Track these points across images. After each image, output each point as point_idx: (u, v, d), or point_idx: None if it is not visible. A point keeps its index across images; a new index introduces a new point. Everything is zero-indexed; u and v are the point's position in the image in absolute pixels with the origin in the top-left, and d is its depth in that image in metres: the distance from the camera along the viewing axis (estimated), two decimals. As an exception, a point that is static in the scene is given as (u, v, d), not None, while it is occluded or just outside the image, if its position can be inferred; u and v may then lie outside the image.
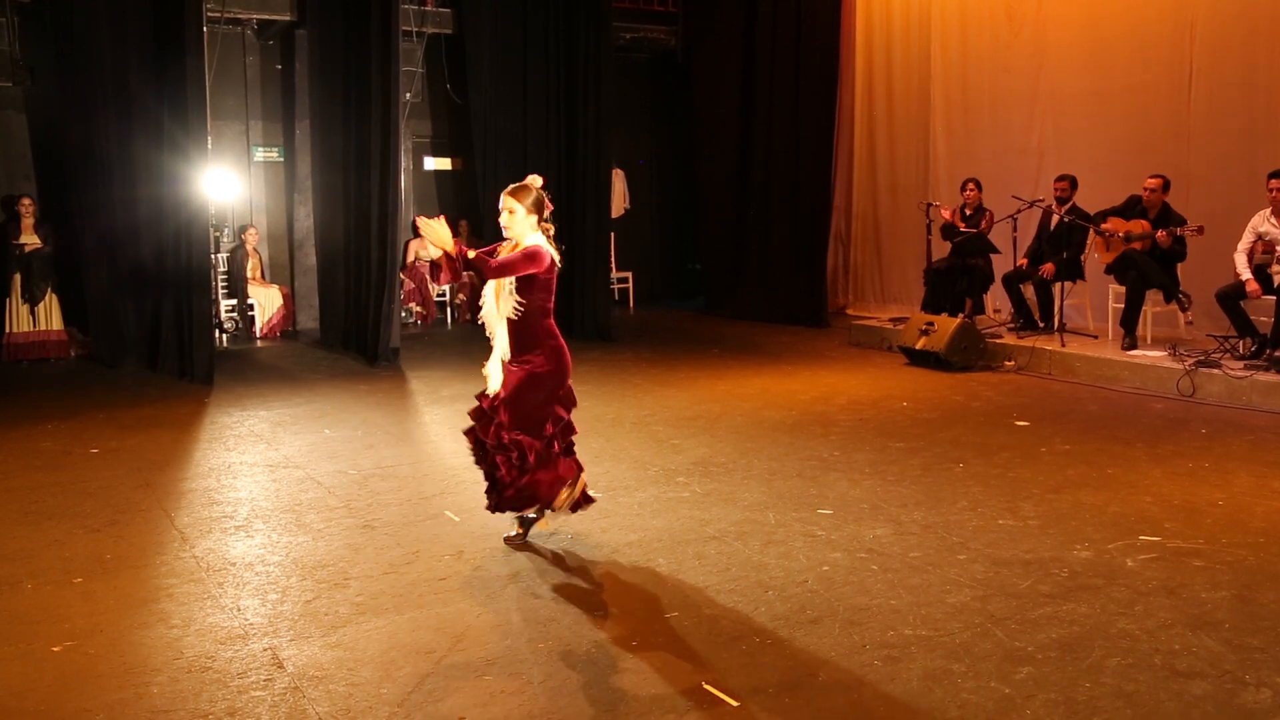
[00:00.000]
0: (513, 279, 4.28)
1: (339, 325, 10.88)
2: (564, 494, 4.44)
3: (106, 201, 9.68)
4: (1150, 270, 8.39)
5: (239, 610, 3.87)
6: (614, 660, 3.41)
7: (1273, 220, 7.75)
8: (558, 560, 4.37)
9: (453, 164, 13.37)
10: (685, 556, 4.38)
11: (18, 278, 9.84)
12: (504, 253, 4.37)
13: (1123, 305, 8.63)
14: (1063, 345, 8.72)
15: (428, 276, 12.39)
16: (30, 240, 9.82)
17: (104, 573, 4.29)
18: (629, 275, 14.19)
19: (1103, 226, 8.75)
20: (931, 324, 9.10)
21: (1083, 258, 9.10)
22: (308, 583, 4.15)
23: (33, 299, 9.87)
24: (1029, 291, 9.49)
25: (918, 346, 9.05)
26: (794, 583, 4.06)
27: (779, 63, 12.39)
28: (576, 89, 11.59)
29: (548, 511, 4.52)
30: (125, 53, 9.65)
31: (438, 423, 7.21)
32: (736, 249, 13.00)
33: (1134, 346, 8.47)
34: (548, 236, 4.39)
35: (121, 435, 6.86)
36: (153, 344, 9.66)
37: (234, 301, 11.56)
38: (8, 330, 9.87)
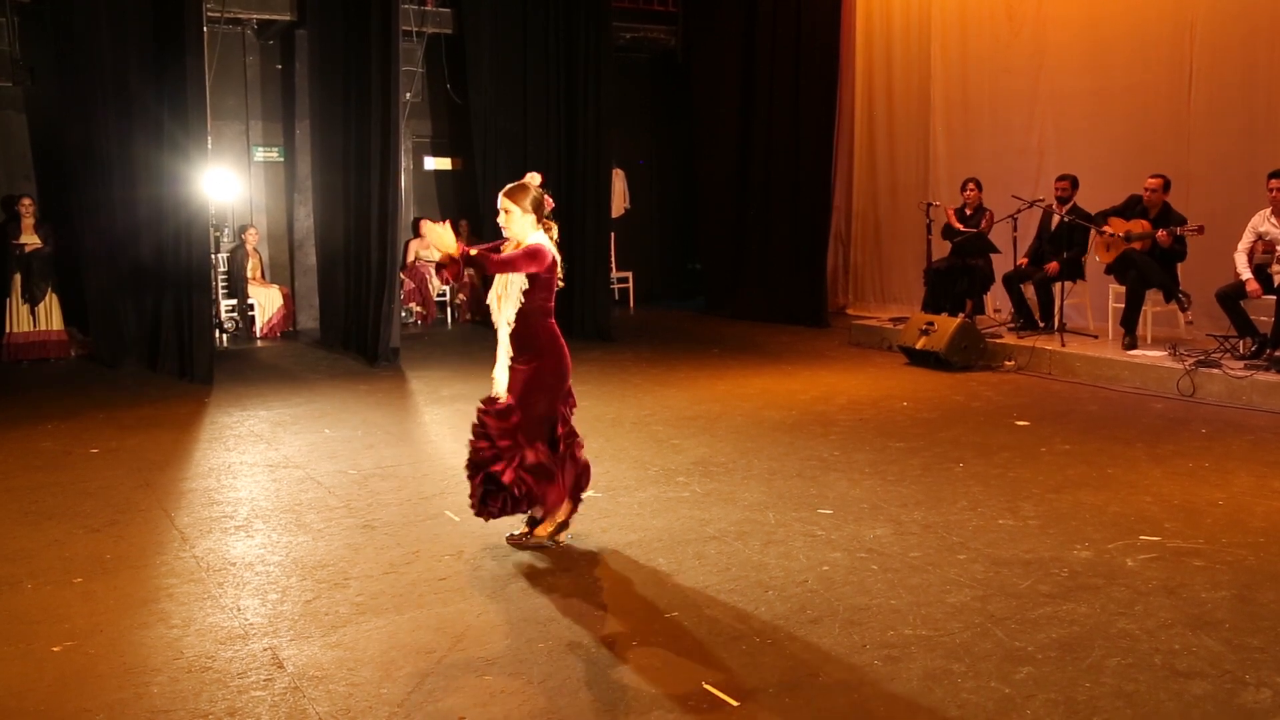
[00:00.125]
0: (522, 279, 4.26)
1: (339, 325, 10.88)
2: (561, 512, 4.46)
3: (106, 201, 9.68)
4: (1150, 270, 8.39)
5: (239, 610, 3.87)
6: (614, 660, 3.41)
7: (1273, 220, 7.75)
8: (558, 560, 4.37)
9: (453, 164, 13.37)
10: (685, 556, 4.38)
11: (18, 278, 9.84)
12: (507, 251, 4.36)
13: (1123, 305, 8.63)
14: (1063, 345, 8.72)
15: (431, 275, 12.40)
16: (30, 240, 9.82)
17: (104, 573, 4.29)
18: (629, 275, 14.20)
19: (1103, 227, 8.75)
20: (931, 324, 9.10)
21: (1084, 258, 9.11)
22: (308, 583, 4.15)
23: (33, 299, 9.87)
24: (1029, 291, 9.49)
25: (918, 346, 9.05)
26: (794, 582, 4.06)
27: (779, 63, 12.39)
28: (576, 89, 11.60)
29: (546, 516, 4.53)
30: (125, 53, 9.65)
31: (438, 423, 7.20)
32: (736, 249, 13.01)
33: (1134, 346, 8.47)
34: (550, 235, 4.38)
35: (121, 435, 6.86)
36: (153, 344, 9.66)
37: (234, 301, 11.56)
38: (8, 330, 9.87)
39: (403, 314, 11.40)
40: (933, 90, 11.55)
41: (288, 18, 11.43)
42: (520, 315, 4.30)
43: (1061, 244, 9.07)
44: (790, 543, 4.53)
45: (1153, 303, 8.62)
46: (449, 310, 12.77)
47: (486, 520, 4.45)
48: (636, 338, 11.32)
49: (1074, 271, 9.11)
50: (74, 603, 3.96)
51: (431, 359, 10.02)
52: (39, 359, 9.89)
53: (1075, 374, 8.38)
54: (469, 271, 4.20)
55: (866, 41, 12.39)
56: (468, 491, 4.42)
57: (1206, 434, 6.45)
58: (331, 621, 3.75)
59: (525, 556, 4.40)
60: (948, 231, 9.84)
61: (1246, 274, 7.76)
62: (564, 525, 4.55)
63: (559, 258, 4.36)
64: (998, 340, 9.16)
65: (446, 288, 12.57)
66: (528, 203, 4.31)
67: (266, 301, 11.69)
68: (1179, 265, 8.52)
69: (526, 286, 4.28)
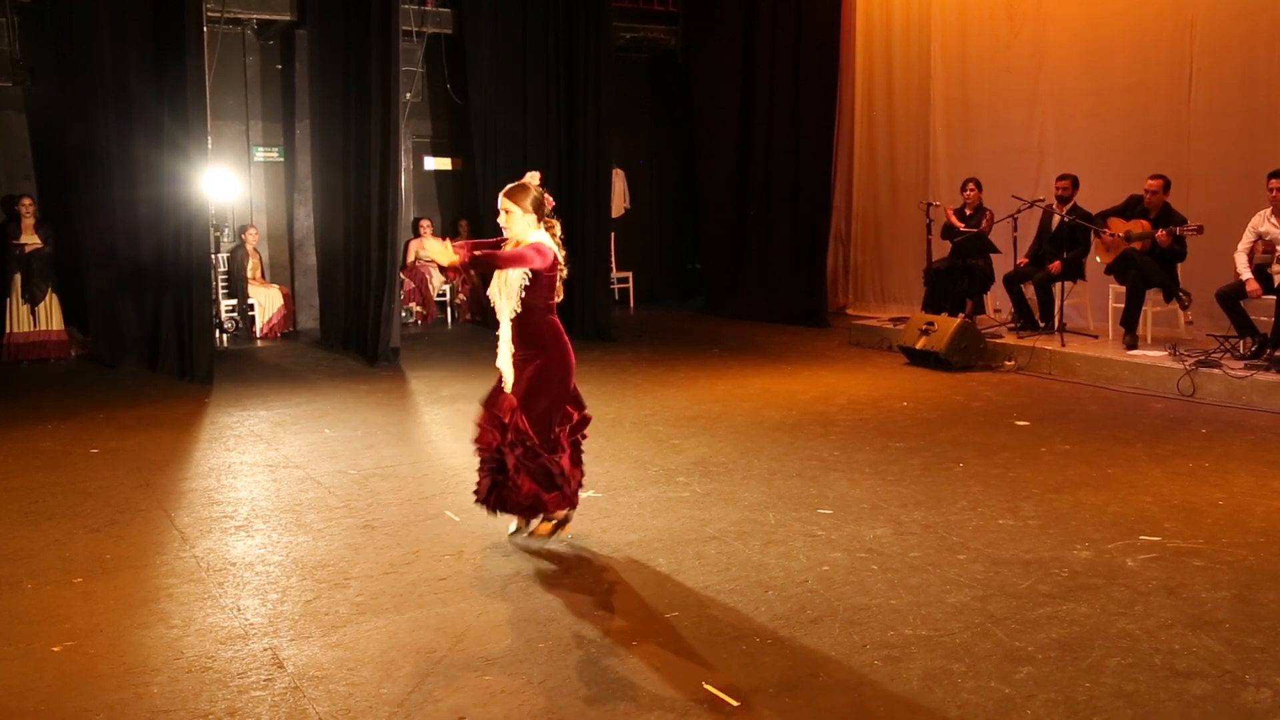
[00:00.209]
0: (523, 277, 4.26)
1: (339, 325, 10.88)
2: (558, 515, 4.47)
3: (106, 201, 9.68)
4: (1150, 270, 8.39)
5: (239, 610, 3.87)
6: (614, 660, 3.41)
7: (1273, 220, 7.75)
8: (558, 560, 4.37)
9: (453, 164, 13.37)
10: (685, 556, 4.38)
11: (18, 278, 9.84)
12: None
13: (1123, 305, 8.63)
14: (1063, 345, 8.72)
15: (431, 275, 12.41)
16: (30, 240, 9.82)
17: (104, 573, 4.29)
18: (629, 275, 14.20)
19: (1103, 228, 8.75)
20: (932, 324, 9.10)
21: (1085, 259, 9.11)
22: (308, 583, 4.15)
23: (33, 299, 9.87)
24: (1029, 291, 9.49)
25: (918, 346, 9.05)
26: (794, 582, 4.06)
27: (779, 63, 12.39)
28: (576, 89, 11.59)
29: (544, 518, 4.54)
30: (125, 53, 9.65)
31: (438, 423, 7.21)
32: (736, 249, 13.00)
33: (1134, 346, 8.47)
34: (552, 234, 4.37)
35: (121, 435, 6.86)
36: (153, 344, 9.66)
37: (234, 301, 11.56)
38: (8, 330, 9.87)
39: (403, 314, 11.41)
40: (933, 90, 11.54)
41: (288, 18, 11.43)
42: (523, 312, 4.31)
43: (1062, 244, 9.07)
44: (790, 543, 4.53)
45: (1153, 303, 8.62)
46: (449, 310, 12.77)
47: (493, 512, 4.49)
48: (636, 338, 11.32)
49: (1074, 271, 9.11)
50: (74, 603, 3.96)
51: (431, 359, 10.02)
52: (39, 359, 9.89)
53: (1075, 374, 8.38)
54: (473, 271, 4.21)
55: (866, 41, 12.39)
56: (469, 491, 4.41)
57: (1206, 434, 6.45)
58: (331, 621, 3.75)
59: (525, 557, 4.40)
60: (948, 231, 9.84)
61: (1246, 274, 7.76)
62: (564, 522, 4.56)
63: (562, 256, 4.36)
64: (998, 340, 9.16)
65: (446, 288, 12.58)
66: (528, 203, 4.31)
67: (266, 301, 11.69)
68: (1179, 265, 8.52)
69: (527, 284, 4.28)
